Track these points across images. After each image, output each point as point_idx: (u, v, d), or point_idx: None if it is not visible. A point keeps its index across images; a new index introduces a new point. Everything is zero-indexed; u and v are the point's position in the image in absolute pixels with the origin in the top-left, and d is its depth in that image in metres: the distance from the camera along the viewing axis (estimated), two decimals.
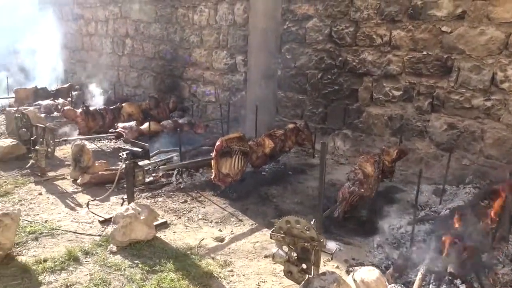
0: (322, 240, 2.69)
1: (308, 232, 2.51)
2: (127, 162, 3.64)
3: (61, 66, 11.24)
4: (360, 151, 5.72)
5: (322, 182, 2.73)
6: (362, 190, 3.67)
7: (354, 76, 5.60)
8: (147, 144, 3.77)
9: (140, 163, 3.81)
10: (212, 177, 4.29)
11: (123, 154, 3.63)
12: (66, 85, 8.95)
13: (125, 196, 4.26)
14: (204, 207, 4.30)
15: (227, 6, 6.92)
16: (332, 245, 3.54)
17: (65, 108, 6.31)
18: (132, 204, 3.58)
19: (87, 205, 3.92)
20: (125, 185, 4.23)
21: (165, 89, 8.44)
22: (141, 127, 5.93)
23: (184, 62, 7.87)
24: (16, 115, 5.55)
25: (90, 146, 6.18)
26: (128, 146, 3.80)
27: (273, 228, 2.85)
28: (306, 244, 2.60)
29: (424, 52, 4.93)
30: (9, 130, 6.27)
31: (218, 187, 4.65)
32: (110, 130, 6.19)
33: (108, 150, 6.20)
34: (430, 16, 4.82)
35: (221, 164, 4.44)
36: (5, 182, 4.71)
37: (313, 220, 2.94)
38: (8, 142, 5.45)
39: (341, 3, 5.54)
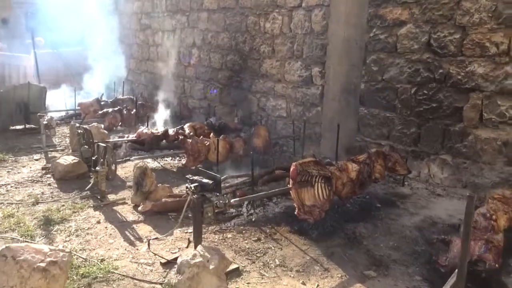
0: None
1: None
2: (195, 196, 3.05)
3: (126, 76, 11.17)
4: (463, 181, 4.79)
5: (464, 257, 1.93)
6: (495, 264, 2.74)
7: (458, 92, 4.69)
8: (219, 175, 3.16)
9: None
10: (296, 212, 3.61)
11: (190, 188, 3.05)
12: (125, 97, 8.72)
13: (190, 230, 3.72)
14: (281, 249, 3.61)
15: (303, 12, 6.25)
16: None
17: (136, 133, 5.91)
18: (200, 248, 2.97)
19: (148, 244, 3.38)
20: (190, 215, 3.70)
21: (231, 102, 7.91)
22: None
23: (254, 73, 7.29)
24: (79, 131, 5.23)
25: (153, 164, 5.77)
26: (197, 177, 3.21)
27: None
28: None
29: None
30: (72, 145, 5.99)
31: (295, 222, 3.98)
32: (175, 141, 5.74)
33: (172, 170, 5.72)
34: None
35: (303, 195, 3.76)
36: (63, 206, 4.33)
37: None
38: (69, 160, 5.12)
39: (444, 6, 4.67)
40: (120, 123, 7.43)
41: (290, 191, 3.80)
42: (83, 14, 10.47)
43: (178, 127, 6.03)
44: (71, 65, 10.09)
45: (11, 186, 4.89)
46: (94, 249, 3.50)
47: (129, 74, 11.31)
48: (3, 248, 2.45)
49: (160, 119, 7.43)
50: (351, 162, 4.34)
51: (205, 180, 3.13)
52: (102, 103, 8.11)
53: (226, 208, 3.85)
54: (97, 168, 4.45)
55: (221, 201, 3.30)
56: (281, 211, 4.35)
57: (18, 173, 5.38)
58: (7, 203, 4.40)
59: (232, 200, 3.48)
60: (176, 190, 4.69)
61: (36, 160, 5.91)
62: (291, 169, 3.77)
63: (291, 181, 3.79)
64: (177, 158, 6.05)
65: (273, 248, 3.62)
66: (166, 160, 6.03)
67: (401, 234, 3.91)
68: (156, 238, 3.52)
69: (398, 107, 5.29)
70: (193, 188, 3.06)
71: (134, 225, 3.97)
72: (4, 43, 13.67)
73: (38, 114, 6.48)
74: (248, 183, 4.49)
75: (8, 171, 5.41)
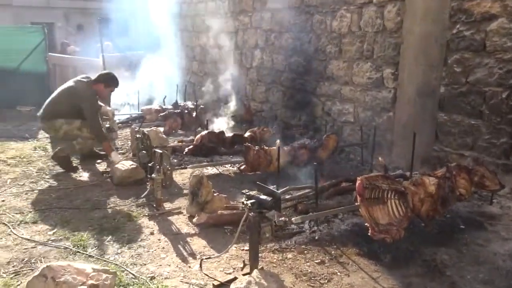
0: None
1: None
2: (251, 214, 2.72)
3: (188, 79, 11.17)
4: None
5: None
6: None
7: None
8: (278, 192, 2.80)
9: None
10: (369, 232, 3.18)
11: (247, 204, 2.72)
12: (187, 103, 8.55)
13: (246, 248, 3.40)
14: (348, 275, 3.17)
15: (374, 9, 5.73)
16: None
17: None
18: (255, 274, 2.64)
19: (200, 264, 3.10)
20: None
21: (294, 106, 7.53)
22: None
23: (319, 75, 6.85)
24: (138, 135, 5.11)
25: (210, 170, 5.55)
26: (254, 193, 2.87)
27: None
28: None
29: None
30: (133, 149, 5.92)
31: (364, 242, 3.52)
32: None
33: (230, 175, 5.45)
34: None
35: (375, 213, 3.32)
36: (118, 214, 4.19)
37: None
38: (127, 165, 5.01)
39: None
40: (180, 126, 7.32)
41: (359, 209, 3.38)
42: (149, 18, 10.59)
43: (236, 133, 5.77)
44: (135, 67, 10.23)
45: (71, 190, 4.87)
46: (145, 264, 3.28)
47: (192, 76, 11.31)
48: (43, 268, 2.27)
49: (221, 123, 7.24)
50: (428, 177, 3.81)
51: (263, 197, 2.79)
52: (164, 107, 8.07)
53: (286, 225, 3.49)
54: (153, 175, 4.27)
55: (280, 219, 2.94)
56: (347, 228, 3.89)
57: (80, 176, 5.38)
58: (65, 208, 4.35)
59: (293, 219, 3.11)
60: (233, 202, 4.39)
61: (98, 163, 5.91)
62: (357, 184, 3.36)
63: (358, 198, 3.37)
64: (236, 165, 5.78)
65: (339, 273, 3.19)
66: (225, 167, 5.77)
67: (492, 264, 3.31)
68: (209, 258, 3.23)
69: (485, 114, 4.62)
70: (249, 205, 2.73)
71: (188, 239, 3.72)
72: (79, 47, 14.36)
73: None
74: (311, 196, 4.09)
75: (70, 174, 5.42)
